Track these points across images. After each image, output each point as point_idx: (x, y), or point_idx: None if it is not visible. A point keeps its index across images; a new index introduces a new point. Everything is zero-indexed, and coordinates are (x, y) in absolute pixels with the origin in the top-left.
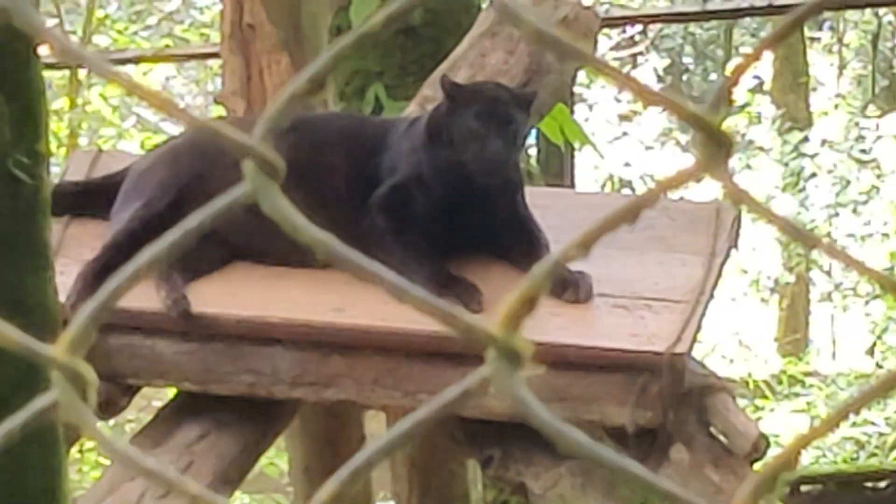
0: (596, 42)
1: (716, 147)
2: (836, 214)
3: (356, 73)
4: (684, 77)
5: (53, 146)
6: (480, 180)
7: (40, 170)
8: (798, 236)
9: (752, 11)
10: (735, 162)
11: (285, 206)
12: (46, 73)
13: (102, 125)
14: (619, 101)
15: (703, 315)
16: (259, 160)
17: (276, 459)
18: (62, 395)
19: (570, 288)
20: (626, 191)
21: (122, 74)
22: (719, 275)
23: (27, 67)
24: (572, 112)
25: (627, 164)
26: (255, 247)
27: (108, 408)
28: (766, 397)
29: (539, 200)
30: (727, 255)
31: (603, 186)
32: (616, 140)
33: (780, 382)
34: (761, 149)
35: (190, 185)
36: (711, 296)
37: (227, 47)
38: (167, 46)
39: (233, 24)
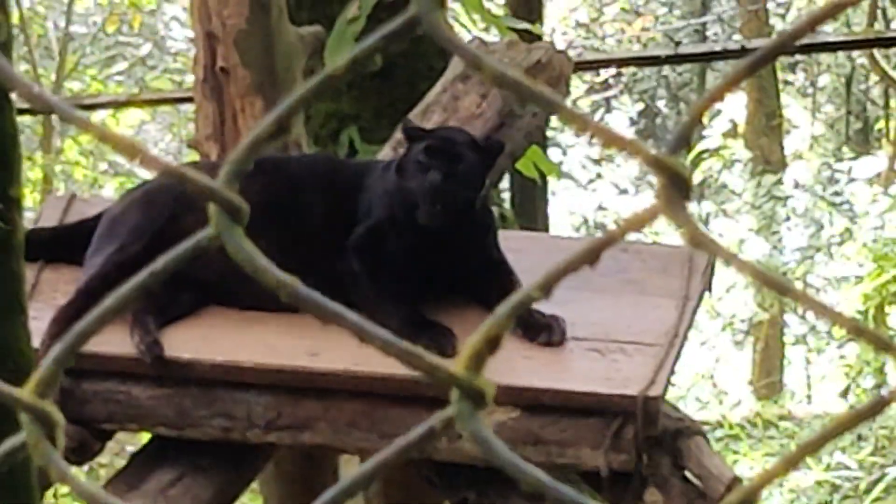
0: (568, 85)
1: (675, 189)
2: (811, 258)
3: (331, 116)
4: (658, 120)
5: (27, 191)
6: (422, 213)
7: (13, 214)
8: (768, 283)
9: (724, 54)
10: (708, 206)
11: (248, 249)
12: (20, 119)
13: (76, 170)
14: (592, 144)
15: (676, 358)
16: (223, 203)
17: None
18: (30, 437)
19: (543, 331)
20: (601, 234)
21: (90, 122)
22: (692, 318)
23: (0, 111)
24: (546, 156)
25: (602, 208)
26: (229, 289)
27: (82, 452)
28: (740, 440)
29: (513, 244)
30: (700, 299)
31: (577, 230)
32: (591, 183)
33: (755, 425)
34: (734, 192)
35: (164, 229)
36: (685, 339)
37: (201, 91)
38: (141, 90)
39: (206, 68)
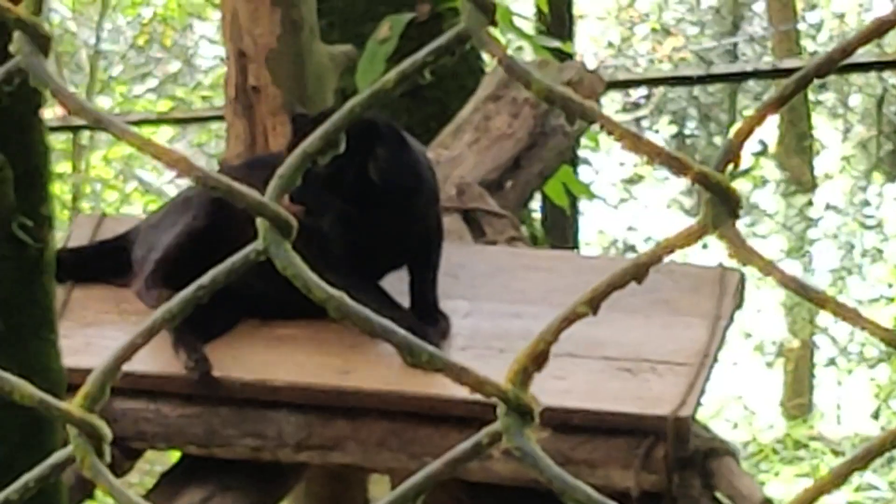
0: (599, 105)
1: (723, 206)
2: (842, 278)
3: None
4: (688, 141)
5: (57, 210)
6: None
7: (44, 232)
8: (806, 295)
9: (755, 74)
10: (741, 226)
11: (298, 264)
12: (49, 136)
13: (105, 189)
14: (623, 164)
15: (707, 378)
16: (272, 218)
17: None
18: (77, 450)
19: (429, 328)
20: (630, 254)
21: (137, 134)
22: (723, 338)
23: (31, 130)
24: (576, 174)
25: (632, 229)
26: (269, 304)
27: (112, 471)
28: (770, 460)
29: (543, 263)
30: (731, 319)
31: (607, 250)
32: (622, 203)
33: (785, 446)
34: (765, 213)
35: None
36: (716, 359)
37: (232, 110)
38: (171, 109)
39: (237, 86)
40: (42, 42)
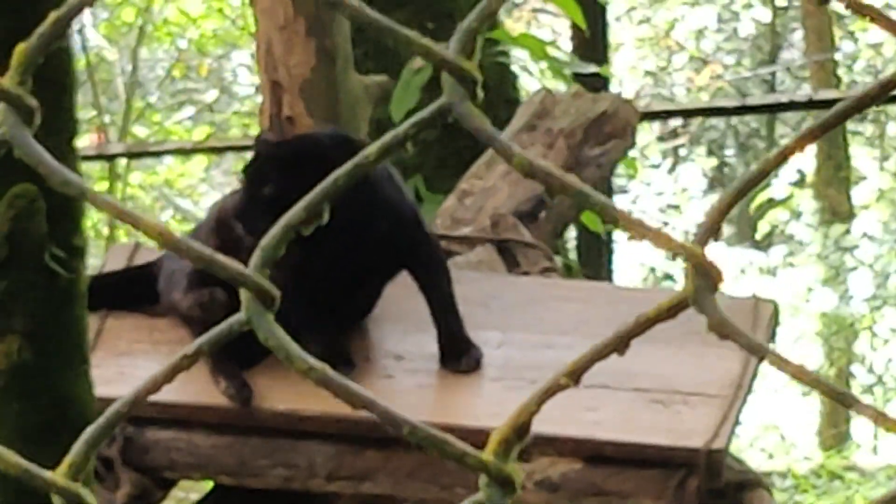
0: (634, 135)
1: (703, 280)
2: (878, 308)
3: (396, 165)
4: (725, 170)
5: (92, 238)
6: None
7: (77, 263)
8: (809, 382)
9: (791, 106)
10: (777, 258)
11: (280, 335)
12: (85, 166)
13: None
14: (661, 193)
15: (740, 410)
16: (254, 290)
17: None
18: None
19: (457, 360)
20: (668, 283)
21: (116, 205)
22: (757, 369)
23: (64, 161)
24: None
25: (669, 258)
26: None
27: (144, 500)
28: (805, 491)
29: (576, 294)
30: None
31: (645, 279)
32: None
33: (820, 476)
34: (801, 243)
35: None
36: (749, 390)
37: None
38: (207, 137)
39: (272, 116)
40: (26, 114)
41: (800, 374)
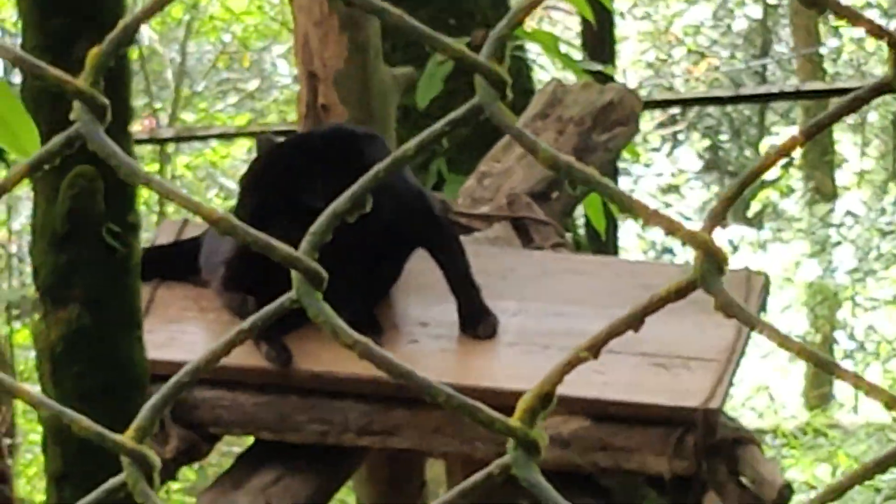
0: (638, 122)
1: (711, 264)
2: (860, 280)
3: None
4: (720, 153)
5: (144, 213)
6: None
7: (131, 238)
8: (788, 346)
9: (780, 96)
10: (766, 233)
11: (328, 312)
12: (138, 148)
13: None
14: (661, 174)
15: (734, 373)
16: (305, 271)
17: (347, 498)
18: (129, 477)
19: (475, 326)
20: (668, 256)
21: (179, 193)
22: (749, 335)
23: (120, 144)
24: (616, 183)
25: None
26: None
27: (193, 454)
28: (792, 447)
29: (585, 267)
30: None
31: (646, 253)
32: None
33: (805, 433)
34: (792, 219)
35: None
36: (742, 354)
37: (304, 126)
38: (248, 123)
39: (308, 104)
40: (99, 111)
41: (788, 344)
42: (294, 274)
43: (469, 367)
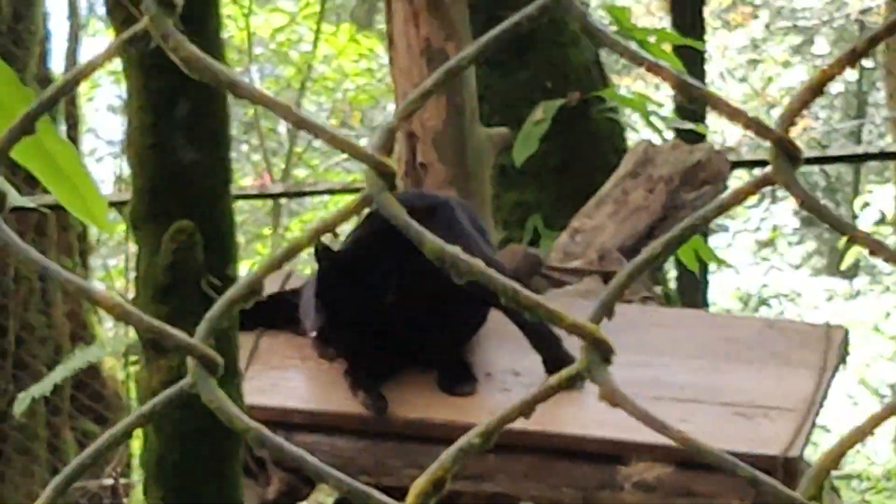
0: (726, 180)
1: (597, 354)
2: None
3: (517, 204)
4: None
5: (255, 266)
6: None
7: (230, 289)
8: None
9: (865, 157)
10: (860, 283)
11: (221, 397)
12: (252, 202)
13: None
14: (759, 229)
15: (814, 422)
16: (199, 357)
17: None
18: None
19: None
20: (764, 309)
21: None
22: (829, 386)
23: (219, 201)
24: (706, 241)
25: (765, 286)
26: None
27: (293, 495)
28: (878, 491)
29: (671, 320)
30: (836, 370)
31: (745, 304)
32: (756, 265)
33: (889, 479)
34: (882, 273)
35: None
36: (821, 405)
37: (403, 183)
38: (355, 180)
39: (407, 163)
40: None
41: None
42: (189, 360)
43: (557, 415)
